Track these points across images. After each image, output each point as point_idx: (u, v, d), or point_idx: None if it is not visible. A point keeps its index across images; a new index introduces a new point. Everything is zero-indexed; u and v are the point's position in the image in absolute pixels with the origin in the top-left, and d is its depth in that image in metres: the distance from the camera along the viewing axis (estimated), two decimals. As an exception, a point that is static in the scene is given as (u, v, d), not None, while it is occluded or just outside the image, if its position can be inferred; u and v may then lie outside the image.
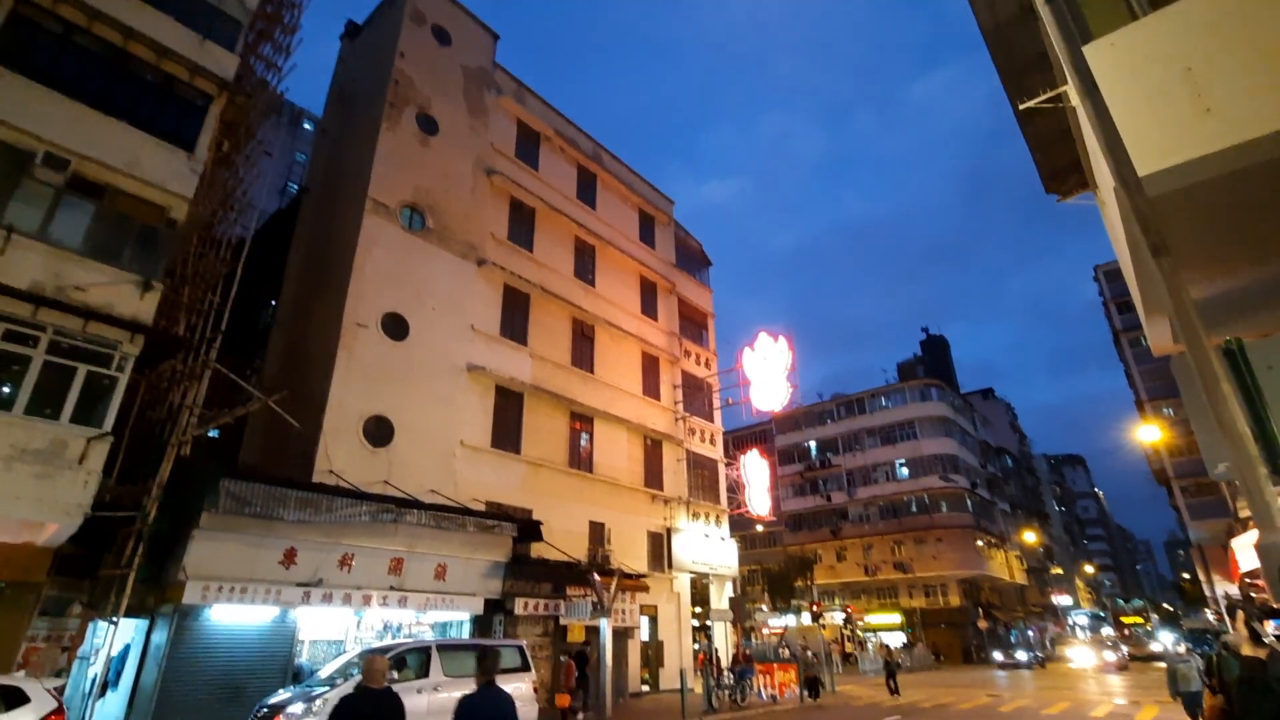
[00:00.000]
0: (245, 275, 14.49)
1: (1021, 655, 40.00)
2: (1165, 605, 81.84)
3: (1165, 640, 45.47)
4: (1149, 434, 28.49)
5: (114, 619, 10.67)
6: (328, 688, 9.90)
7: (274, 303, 20.20)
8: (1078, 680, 27.32)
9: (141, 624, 12.59)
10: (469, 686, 11.53)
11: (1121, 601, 55.18)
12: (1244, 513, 11.47)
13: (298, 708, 9.41)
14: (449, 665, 11.23)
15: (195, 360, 13.26)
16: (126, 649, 13.02)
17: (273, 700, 9.93)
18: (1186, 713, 10.36)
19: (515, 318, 21.55)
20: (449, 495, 17.08)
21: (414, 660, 10.97)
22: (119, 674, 12.81)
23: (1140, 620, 48.46)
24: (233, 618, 12.68)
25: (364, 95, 21.39)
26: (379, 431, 16.67)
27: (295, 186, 23.63)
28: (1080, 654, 39.61)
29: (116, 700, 12.18)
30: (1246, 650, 1.89)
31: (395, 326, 17.85)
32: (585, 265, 25.14)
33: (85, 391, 10.53)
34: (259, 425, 17.45)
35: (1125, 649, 41.43)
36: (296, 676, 12.64)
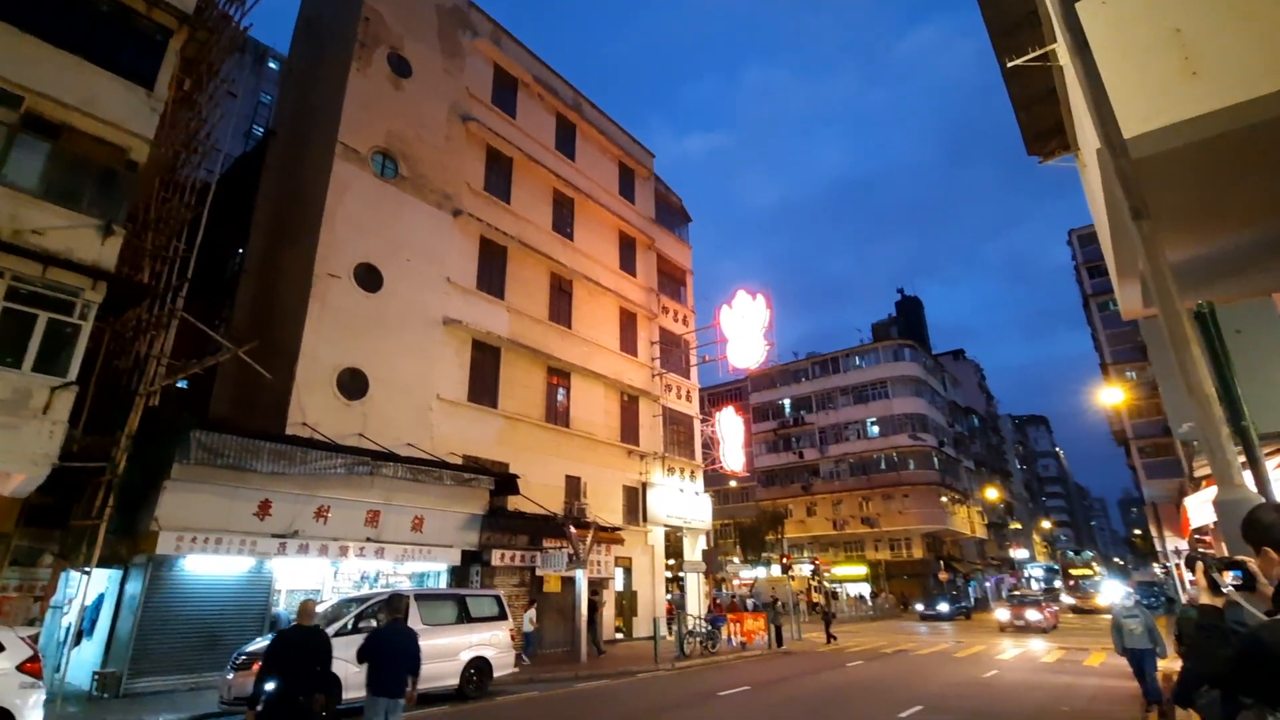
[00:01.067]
0: (211, 221, 13.99)
1: (944, 607, 36.81)
2: (1116, 559, 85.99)
3: (1113, 593, 44.90)
4: (1112, 396, 29.40)
5: (86, 569, 10.59)
6: (306, 635, 9.99)
7: (242, 250, 19.60)
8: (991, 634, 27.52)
9: (115, 574, 12.54)
10: (447, 635, 11.77)
11: (1072, 554, 51.38)
12: (1199, 472, 11.91)
13: (277, 655, 9.50)
14: (426, 614, 11.41)
15: (161, 309, 12.88)
16: (100, 598, 12.99)
17: (250, 648, 10.03)
18: (1132, 669, 9.66)
19: (492, 271, 21.22)
20: (425, 449, 17.06)
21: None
22: (94, 623, 12.81)
23: (1090, 572, 47.08)
24: (209, 568, 12.69)
25: (332, 33, 20.39)
26: (353, 384, 16.48)
27: (261, 129, 22.63)
28: (1003, 612, 32.26)
29: (92, 648, 12.21)
30: (1205, 599, 1.99)
31: (369, 278, 17.47)
32: (564, 218, 24.72)
33: (47, 340, 10.19)
34: (229, 376, 17.13)
35: (1055, 606, 34.39)
36: (274, 625, 12.76)
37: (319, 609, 11.24)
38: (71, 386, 10.34)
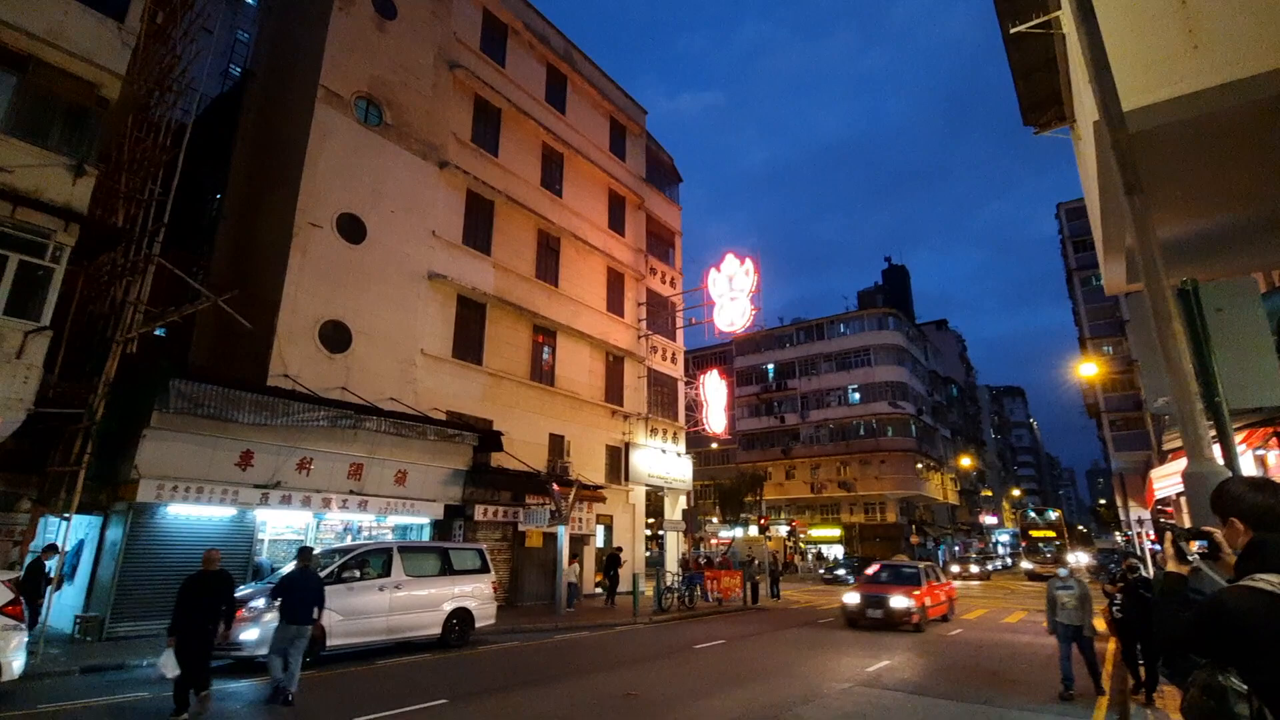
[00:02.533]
0: (188, 164, 13.57)
1: (841, 572, 35.08)
2: (1080, 527, 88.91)
3: (1077, 561, 38.79)
4: (1088, 369, 29.95)
5: (66, 515, 10.56)
6: (289, 584, 10.12)
7: (220, 196, 19.07)
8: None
9: (95, 520, 12.52)
10: (429, 586, 11.95)
11: (1033, 513, 45.30)
12: (1168, 445, 12.24)
13: (260, 602, 9.63)
14: (409, 566, 11.57)
15: (137, 254, 12.56)
16: (80, 544, 12.99)
17: (235, 595, 10.12)
18: (1061, 649, 8.84)
19: (478, 226, 20.87)
20: (409, 404, 17.03)
21: (376, 561, 11.25)
22: (74, 568, 12.83)
23: (1053, 535, 42.33)
24: (191, 515, 12.71)
25: (314, -31, 19.48)
26: (336, 336, 16.31)
27: (239, 70, 21.77)
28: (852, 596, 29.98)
29: (73, 593, 12.26)
30: (1171, 567, 2.07)
31: (351, 228, 17.12)
32: (553, 174, 24.27)
33: (19, 283, 9.93)
34: (208, 325, 16.87)
35: (944, 581, 29.70)
36: (257, 573, 12.88)
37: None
38: (46, 331, 10.13)
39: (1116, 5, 4.92)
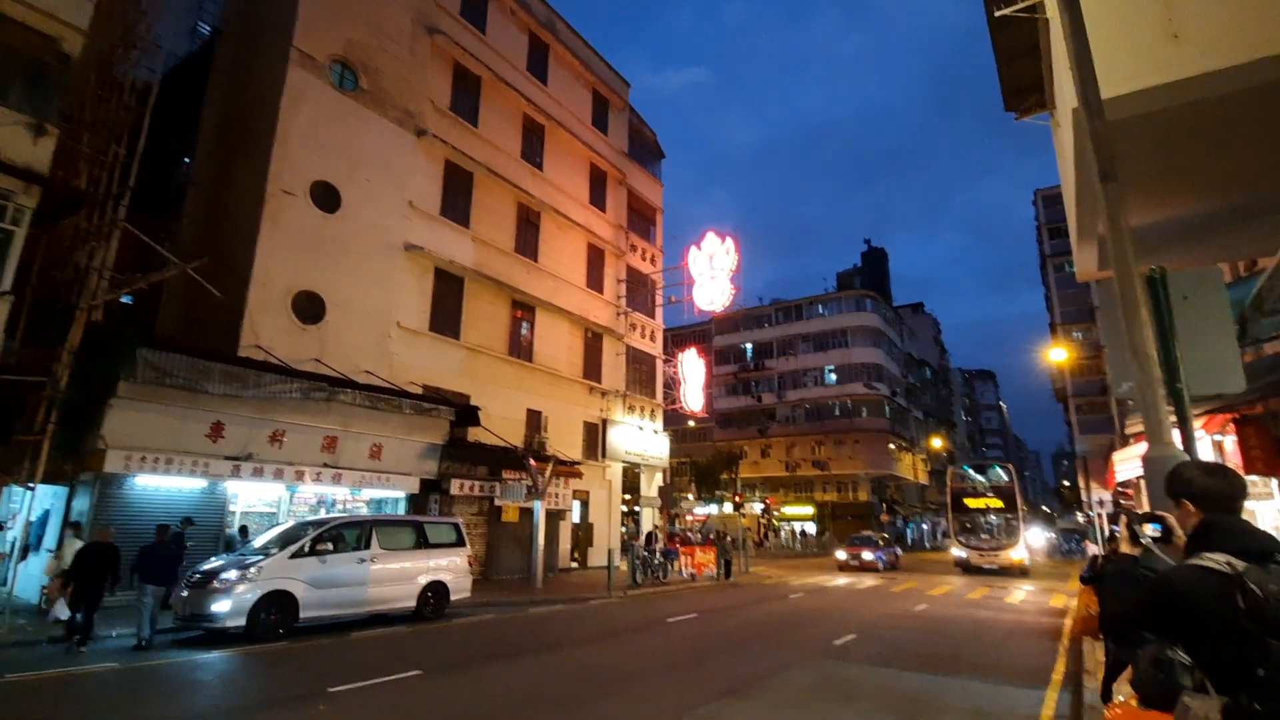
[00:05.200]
0: (155, 126, 13.08)
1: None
2: (1044, 508, 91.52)
3: (1030, 540, 31.13)
4: (1057, 354, 30.59)
5: (30, 484, 10.32)
6: (261, 556, 10.05)
7: (188, 160, 18.47)
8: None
9: (61, 490, 12.27)
10: (404, 559, 11.96)
11: (970, 471, 29.78)
12: (1130, 430, 12.61)
13: (232, 573, 9.57)
14: (384, 539, 11.55)
15: (101, 218, 12.15)
16: (46, 514, 12.75)
17: (206, 566, 10.05)
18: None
19: (457, 197, 20.53)
20: (384, 377, 16.85)
21: (350, 535, 11.21)
22: (39, 539, 12.60)
23: (999, 505, 26.47)
24: (161, 486, 12.52)
25: (288, -75, 18.73)
26: (309, 307, 16.02)
27: (208, 28, 20.98)
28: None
29: (39, 563, 12.05)
30: (1124, 548, 2.16)
31: (326, 197, 16.73)
32: (533, 146, 23.89)
33: (-26, 244, 9.56)
34: (177, 294, 16.44)
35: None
36: (229, 545, 12.77)
37: (275, 532, 11.30)
38: (6, 296, 9.81)
39: (1099, -8, 4.94)
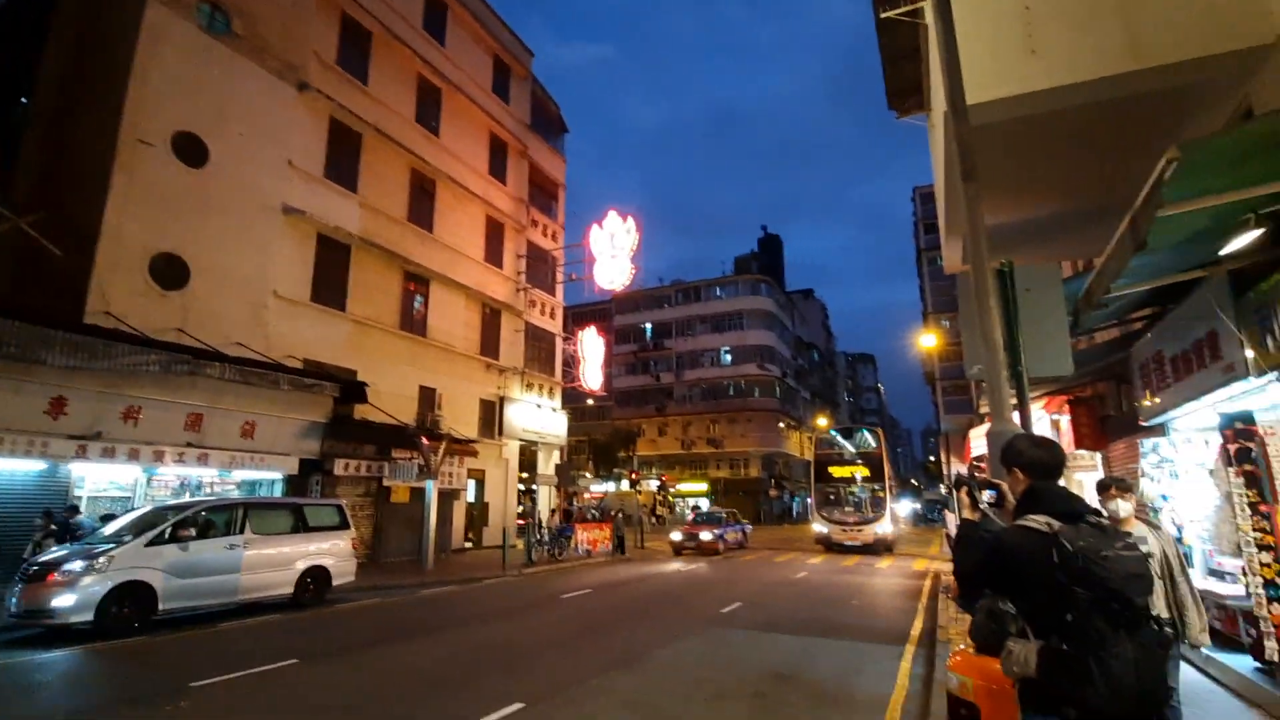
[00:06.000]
0: (-27, 54, 11.28)
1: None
2: (913, 481, 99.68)
3: (903, 511, 32.99)
4: (928, 340, 33.19)
5: None
6: (113, 545, 9.13)
7: (25, 101, 16.07)
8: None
9: None
10: (280, 544, 11.29)
11: (835, 432, 28.06)
12: (984, 409, 13.92)
13: (76, 564, 8.63)
14: (258, 523, 10.81)
15: (-98, 158, 10.39)
16: None
17: (44, 558, 9.00)
18: None
19: (343, 159, 19.22)
20: (259, 350, 15.63)
21: (220, 519, 10.39)
22: None
23: (865, 473, 25.05)
24: (-18, 470, 11.05)
25: None
26: (171, 271, 14.52)
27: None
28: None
29: None
30: (966, 514, 2.42)
31: (191, 149, 15.15)
32: (429, 110, 22.74)
33: None
34: (8, 250, 14.37)
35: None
36: (75, 533, 11.46)
37: (130, 518, 10.30)
38: None
39: (970, 4, 5.33)
